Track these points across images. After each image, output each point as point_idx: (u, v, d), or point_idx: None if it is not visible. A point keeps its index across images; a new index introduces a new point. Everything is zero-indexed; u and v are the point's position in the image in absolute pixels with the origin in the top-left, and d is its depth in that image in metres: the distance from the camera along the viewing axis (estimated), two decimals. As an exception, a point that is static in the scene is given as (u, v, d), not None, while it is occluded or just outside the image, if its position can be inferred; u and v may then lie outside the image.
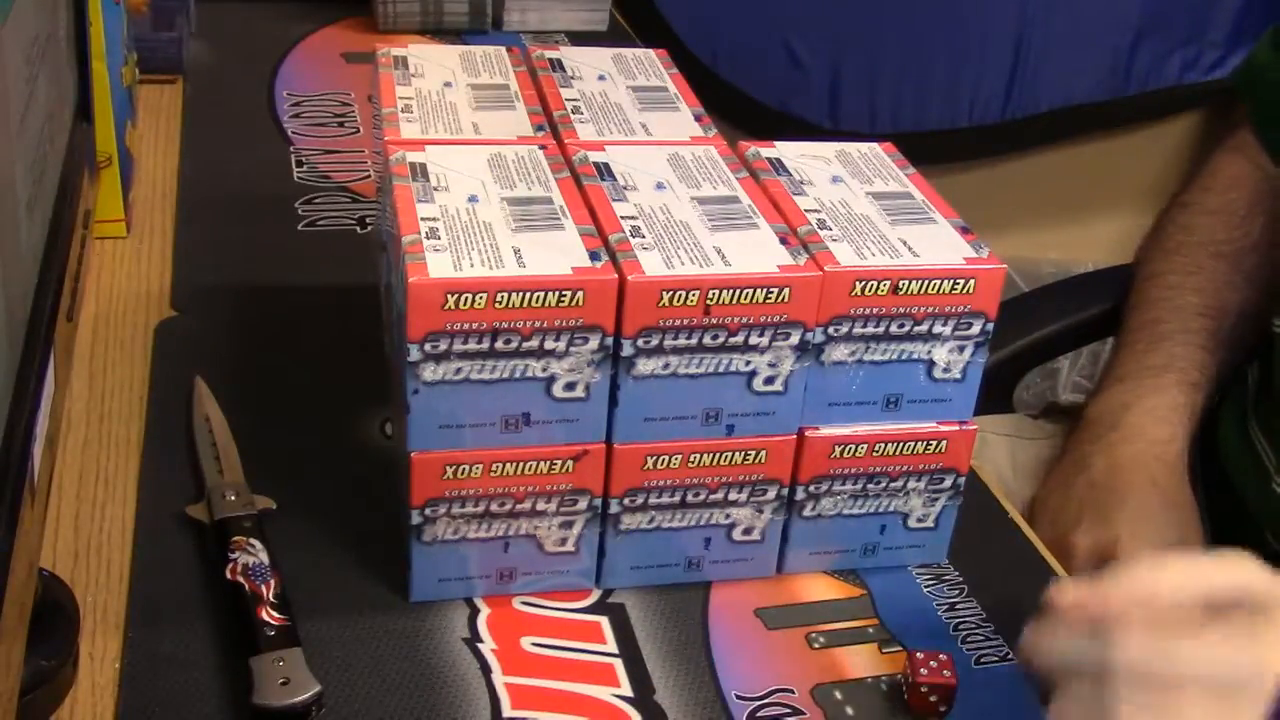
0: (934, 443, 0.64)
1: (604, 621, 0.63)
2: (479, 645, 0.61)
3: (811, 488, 0.64)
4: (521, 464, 0.60)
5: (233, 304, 0.84)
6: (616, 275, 0.57)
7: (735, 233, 0.61)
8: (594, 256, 0.58)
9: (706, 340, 0.58)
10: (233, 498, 0.65)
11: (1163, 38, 1.63)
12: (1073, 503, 0.86)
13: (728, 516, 0.63)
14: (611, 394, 0.59)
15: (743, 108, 1.54)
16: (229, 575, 0.60)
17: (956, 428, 0.64)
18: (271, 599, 0.59)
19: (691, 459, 0.61)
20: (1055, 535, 0.84)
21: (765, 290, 0.58)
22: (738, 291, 0.57)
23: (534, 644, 0.61)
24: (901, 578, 0.67)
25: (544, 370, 0.58)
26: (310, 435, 0.73)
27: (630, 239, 0.59)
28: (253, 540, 0.62)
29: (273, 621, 0.58)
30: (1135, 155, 1.72)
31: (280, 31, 1.25)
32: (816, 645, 0.63)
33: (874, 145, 0.71)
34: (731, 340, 0.58)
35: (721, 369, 0.59)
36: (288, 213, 0.95)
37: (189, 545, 0.65)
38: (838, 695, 0.60)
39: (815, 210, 0.64)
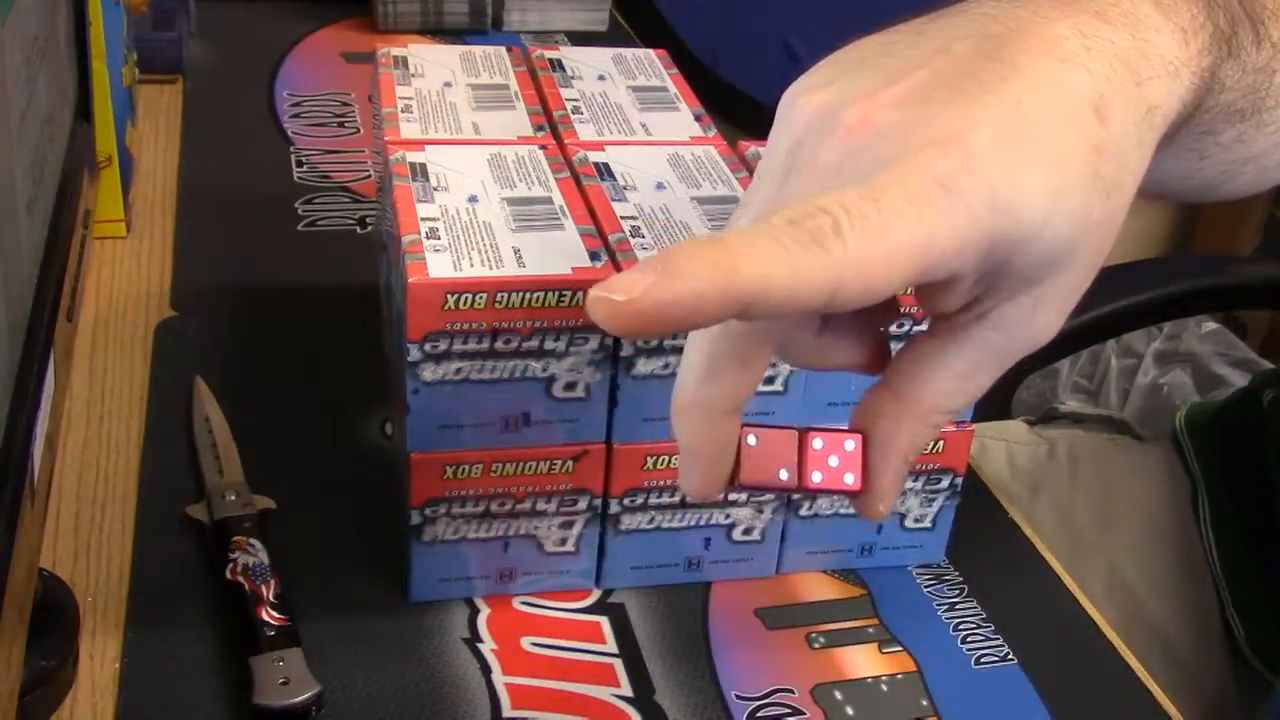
0: (932, 443, 0.64)
1: (604, 621, 0.63)
2: (479, 645, 0.61)
3: (811, 488, 0.63)
4: (521, 464, 0.60)
5: (233, 304, 0.84)
6: (616, 275, 0.57)
7: (735, 233, 0.60)
8: (594, 256, 0.58)
9: (706, 340, 0.58)
10: (233, 498, 0.65)
11: (1163, 38, 1.63)
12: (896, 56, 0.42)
13: (728, 516, 0.63)
14: (611, 394, 0.59)
15: (743, 108, 1.54)
16: (229, 575, 0.60)
17: (954, 428, 0.64)
18: (271, 599, 0.59)
19: (691, 459, 0.61)
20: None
21: (765, 290, 0.58)
22: (737, 291, 0.57)
23: (534, 644, 0.61)
24: (901, 577, 0.67)
25: (544, 370, 0.58)
26: (310, 435, 0.73)
27: (630, 239, 0.59)
28: (253, 540, 0.62)
29: (273, 621, 0.58)
30: (1135, 155, 1.72)
31: (280, 31, 1.25)
32: (817, 645, 0.63)
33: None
34: (731, 340, 0.58)
35: (721, 369, 0.59)
36: (288, 213, 0.95)
37: (189, 545, 0.65)
38: (838, 695, 0.60)
39: (815, 210, 0.63)
